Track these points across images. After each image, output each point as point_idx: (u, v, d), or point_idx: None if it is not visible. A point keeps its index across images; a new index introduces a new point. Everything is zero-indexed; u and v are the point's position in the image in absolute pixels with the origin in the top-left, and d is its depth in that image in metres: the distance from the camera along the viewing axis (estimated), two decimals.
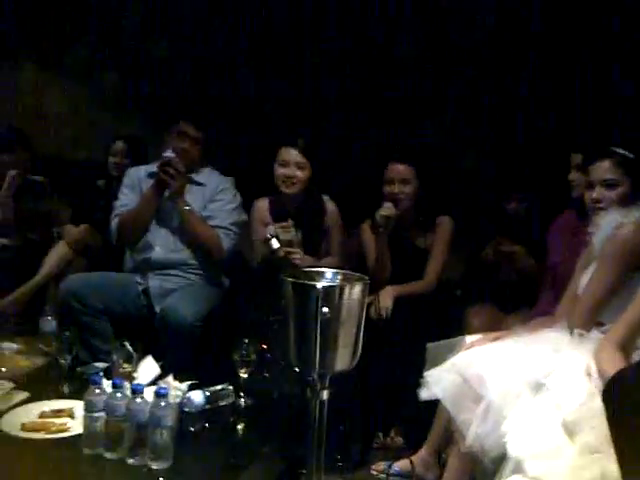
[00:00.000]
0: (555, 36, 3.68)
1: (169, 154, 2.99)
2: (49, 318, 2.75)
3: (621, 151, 2.32)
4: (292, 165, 3.02)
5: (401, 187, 3.05)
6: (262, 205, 3.17)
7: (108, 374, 2.28)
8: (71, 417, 2.10)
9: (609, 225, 2.22)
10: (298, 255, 2.91)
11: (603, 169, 2.31)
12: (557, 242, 2.94)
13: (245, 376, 2.42)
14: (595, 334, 2.18)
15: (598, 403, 1.68)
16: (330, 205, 3.19)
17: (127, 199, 3.17)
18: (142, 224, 3.09)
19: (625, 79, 3.53)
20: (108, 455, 1.92)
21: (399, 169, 3.07)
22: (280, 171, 3.03)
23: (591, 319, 2.21)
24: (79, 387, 2.28)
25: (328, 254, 3.15)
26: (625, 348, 2.00)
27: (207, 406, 2.29)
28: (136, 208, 3.10)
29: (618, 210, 2.24)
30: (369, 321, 2.62)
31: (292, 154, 3.02)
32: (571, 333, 2.19)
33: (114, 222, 3.14)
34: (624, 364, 1.88)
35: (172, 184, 2.99)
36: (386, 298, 2.88)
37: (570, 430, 1.78)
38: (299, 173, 3.01)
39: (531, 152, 3.56)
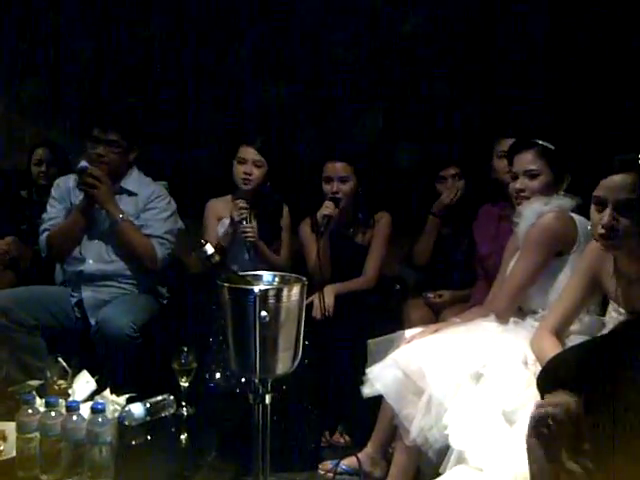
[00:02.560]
0: (481, 28, 3.75)
1: (83, 164, 2.91)
2: None
3: (543, 142, 2.39)
4: (250, 163, 3.12)
5: (340, 185, 3.08)
6: (215, 204, 3.24)
7: (41, 392, 2.19)
8: (3, 440, 2.01)
9: (532, 214, 2.29)
10: (251, 231, 3.02)
11: (526, 160, 2.38)
12: (484, 233, 3.01)
13: (186, 385, 2.38)
14: (529, 321, 2.25)
15: (535, 390, 1.73)
16: (284, 207, 3.25)
17: (55, 211, 3.05)
18: (73, 238, 2.98)
19: (549, 72, 3.64)
20: (45, 477, 1.84)
21: (337, 167, 3.10)
22: (239, 168, 3.13)
23: (512, 303, 2.28)
24: (11, 407, 2.18)
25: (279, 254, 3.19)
26: (559, 334, 2.07)
27: (148, 418, 2.23)
28: (67, 222, 2.99)
29: (540, 199, 2.32)
30: (311, 321, 2.65)
31: (250, 152, 3.12)
32: (498, 319, 2.25)
33: (43, 236, 3.02)
34: (559, 349, 1.94)
35: (96, 193, 2.90)
36: (328, 296, 2.89)
37: (509, 419, 1.83)
38: (256, 171, 3.11)
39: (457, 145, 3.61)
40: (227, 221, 3.12)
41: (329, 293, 2.92)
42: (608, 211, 1.86)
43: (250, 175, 3.10)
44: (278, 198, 3.24)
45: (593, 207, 1.93)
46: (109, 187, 2.93)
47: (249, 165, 3.11)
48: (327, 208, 3.00)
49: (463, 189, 3.19)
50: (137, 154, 3.08)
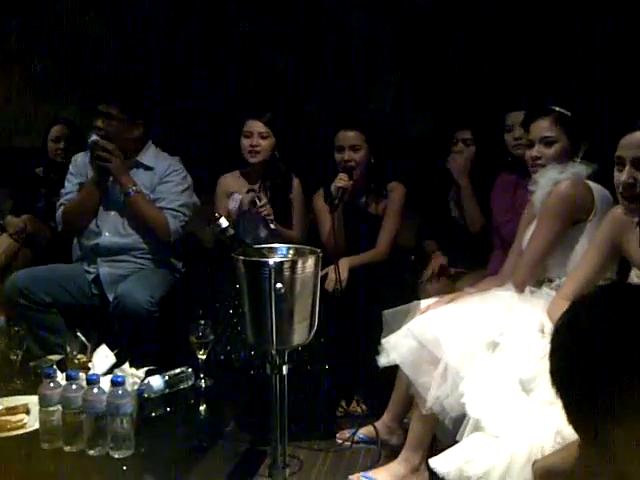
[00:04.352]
0: None
1: (93, 137, 2.96)
2: None
3: (559, 109, 2.35)
4: (256, 135, 3.12)
5: (352, 154, 3.07)
6: (226, 180, 3.25)
7: (62, 366, 2.23)
8: (27, 413, 2.05)
9: (548, 182, 2.26)
10: (267, 209, 3.03)
11: (542, 127, 2.35)
12: (500, 202, 2.98)
13: (203, 357, 2.41)
14: (546, 290, 2.24)
15: None
16: (294, 179, 3.23)
17: (72, 186, 3.09)
18: (87, 212, 3.02)
19: (561, 39, 3.57)
20: (68, 448, 1.89)
21: (349, 136, 3.08)
22: (245, 142, 3.13)
23: (531, 274, 2.26)
24: (33, 382, 2.22)
25: (290, 227, 3.19)
26: None
27: (167, 390, 2.26)
28: (80, 196, 3.03)
29: (556, 167, 2.29)
30: (325, 293, 2.66)
31: (256, 125, 3.12)
32: (517, 290, 2.23)
33: (59, 211, 3.07)
34: None
35: (108, 166, 2.93)
36: (342, 269, 2.89)
37: (526, 387, 1.83)
38: (262, 142, 3.12)
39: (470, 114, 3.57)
40: (237, 196, 3.12)
41: (343, 266, 2.91)
42: (626, 169, 1.83)
43: (256, 147, 3.10)
44: (286, 170, 3.21)
45: (615, 168, 1.88)
46: (121, 159, 2.96)
47: (255, 137, 3.10)
48: (341, 180, 2.97)
49: (473, 157, 3.17)
50: (143, 129, 3.07)
